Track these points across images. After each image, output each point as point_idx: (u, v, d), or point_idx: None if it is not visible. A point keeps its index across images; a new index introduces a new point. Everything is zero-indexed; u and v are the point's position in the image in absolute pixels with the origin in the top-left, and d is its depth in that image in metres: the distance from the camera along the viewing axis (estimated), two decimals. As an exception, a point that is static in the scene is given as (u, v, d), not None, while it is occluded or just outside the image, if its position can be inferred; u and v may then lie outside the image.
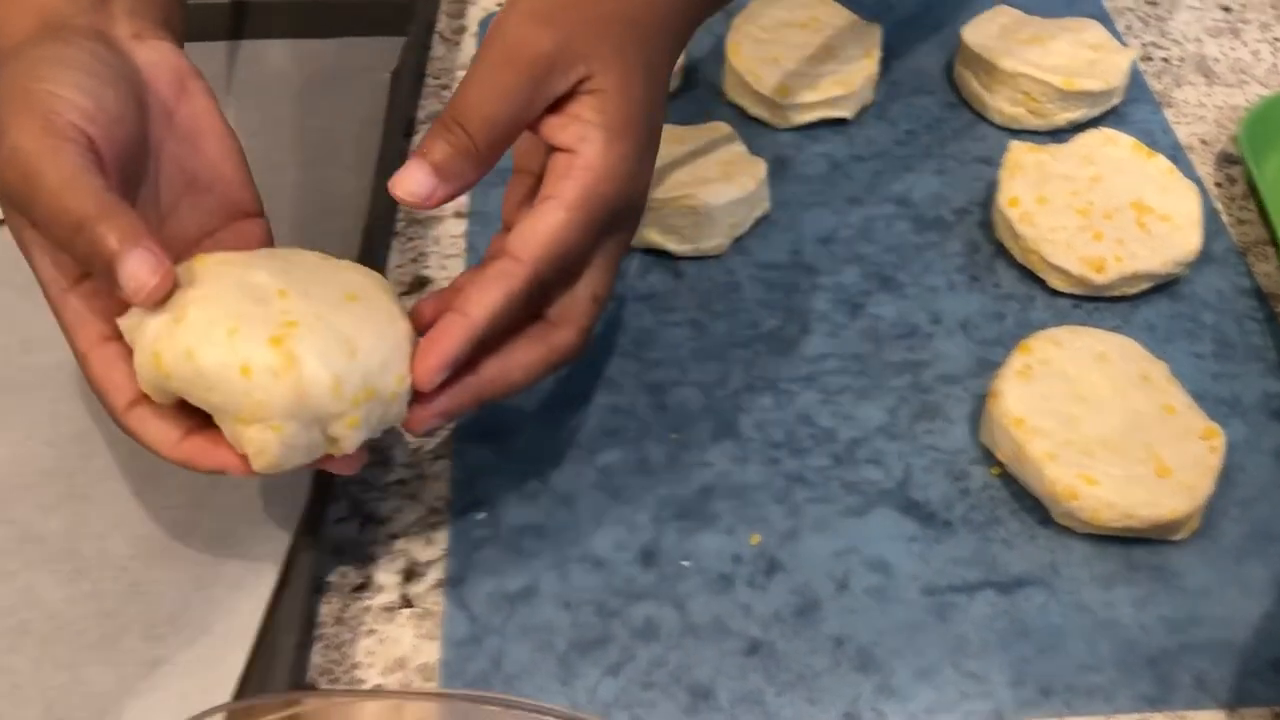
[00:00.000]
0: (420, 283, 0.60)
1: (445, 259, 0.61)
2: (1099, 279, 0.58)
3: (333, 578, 0.50)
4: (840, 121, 0.68)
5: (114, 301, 0.43)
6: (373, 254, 0.58)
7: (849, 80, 0.66)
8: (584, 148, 0.44)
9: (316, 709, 0.39)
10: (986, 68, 0.67)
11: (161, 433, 0.43)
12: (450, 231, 0.63)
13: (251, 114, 0.62)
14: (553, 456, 0.53)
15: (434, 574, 0.50)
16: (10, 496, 0.51)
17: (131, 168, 0.45)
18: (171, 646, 0.47)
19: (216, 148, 0.48)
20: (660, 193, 0.59)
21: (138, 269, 0.40)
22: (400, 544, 0.51)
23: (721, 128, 0.64)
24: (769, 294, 0.60)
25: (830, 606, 0.49)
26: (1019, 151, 0.62)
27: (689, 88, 0.70)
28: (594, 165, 0.44)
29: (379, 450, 0.54)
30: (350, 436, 0.42)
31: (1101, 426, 0.51)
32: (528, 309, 0.46)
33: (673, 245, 0.60)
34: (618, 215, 0.46)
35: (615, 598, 0.49)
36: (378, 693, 0.43)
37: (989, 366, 0.56)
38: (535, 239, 0.44)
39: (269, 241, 0.49)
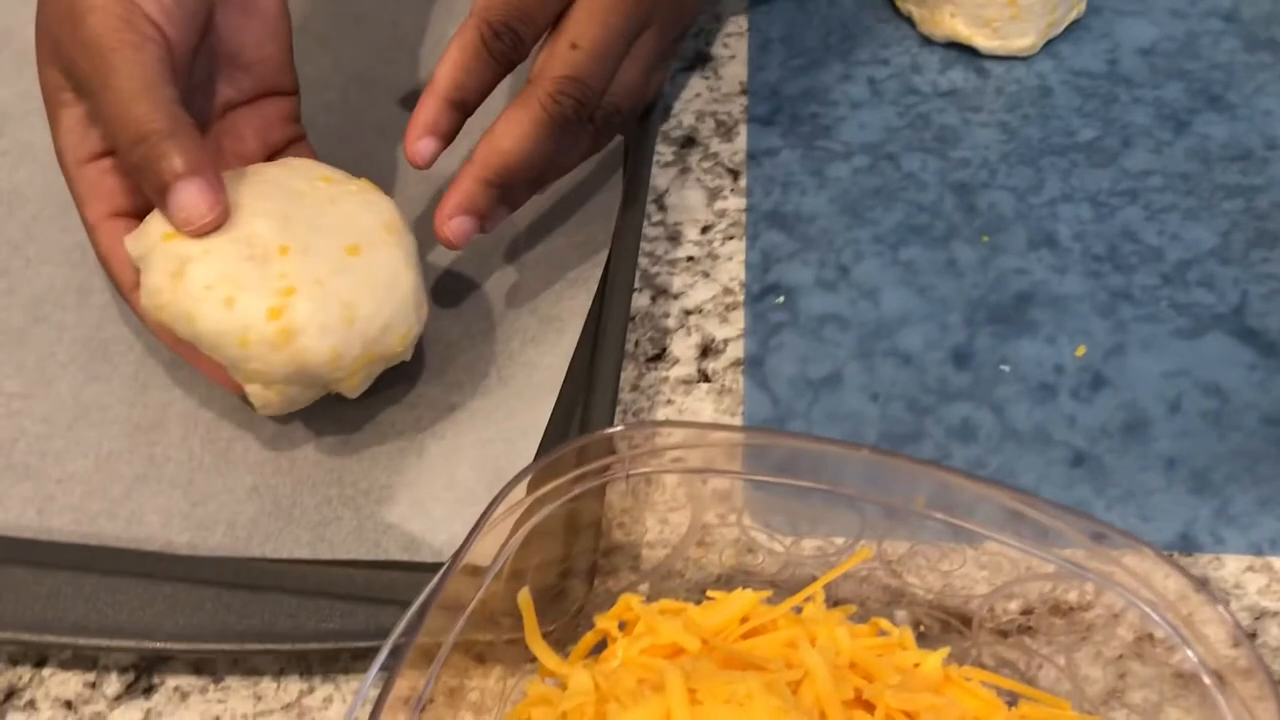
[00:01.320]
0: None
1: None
2: None
3: (627, 346, 0.47)
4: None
5: (129, 182, 0.42)
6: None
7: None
8: None
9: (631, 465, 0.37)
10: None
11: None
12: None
13: None
14: (852, 248, 0.50)
15: (732, 352, 0.47)
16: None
17: (191, 63, 0.43)
18: (467, 394, 0.45)
19: (267, 28, 0.46)
20: (978, -21, 0.54)
21: (195, 200, 0.39)
22: (694, 320, 0.48)
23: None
24: (1084, 102, 0.55)
25: (1161, 427, 0.45)
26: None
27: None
28: None
29: (667, 225, 0.51)
30: (353, 390, 0.42)
31: None
32: (496, 64, 0.43)
33: (980, 40, 0.56)
34: None
35: (927, 395, 0.46)
36: (714, 425, 0.39)
37: (1334, 197, 0.51)
38: None
39: (296, 119, 0.47)
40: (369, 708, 0.32)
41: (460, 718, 0.35)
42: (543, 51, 0.45)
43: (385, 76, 0.56)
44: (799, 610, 0.36)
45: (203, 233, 0.40)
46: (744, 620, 0.36)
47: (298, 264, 0.40)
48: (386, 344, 0.41)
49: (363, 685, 0.33)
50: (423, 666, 0.32)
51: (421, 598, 0.33)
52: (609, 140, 0.50)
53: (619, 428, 0.35)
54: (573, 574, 0.38)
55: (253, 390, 0.41)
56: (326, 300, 0.40)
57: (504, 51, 0.43)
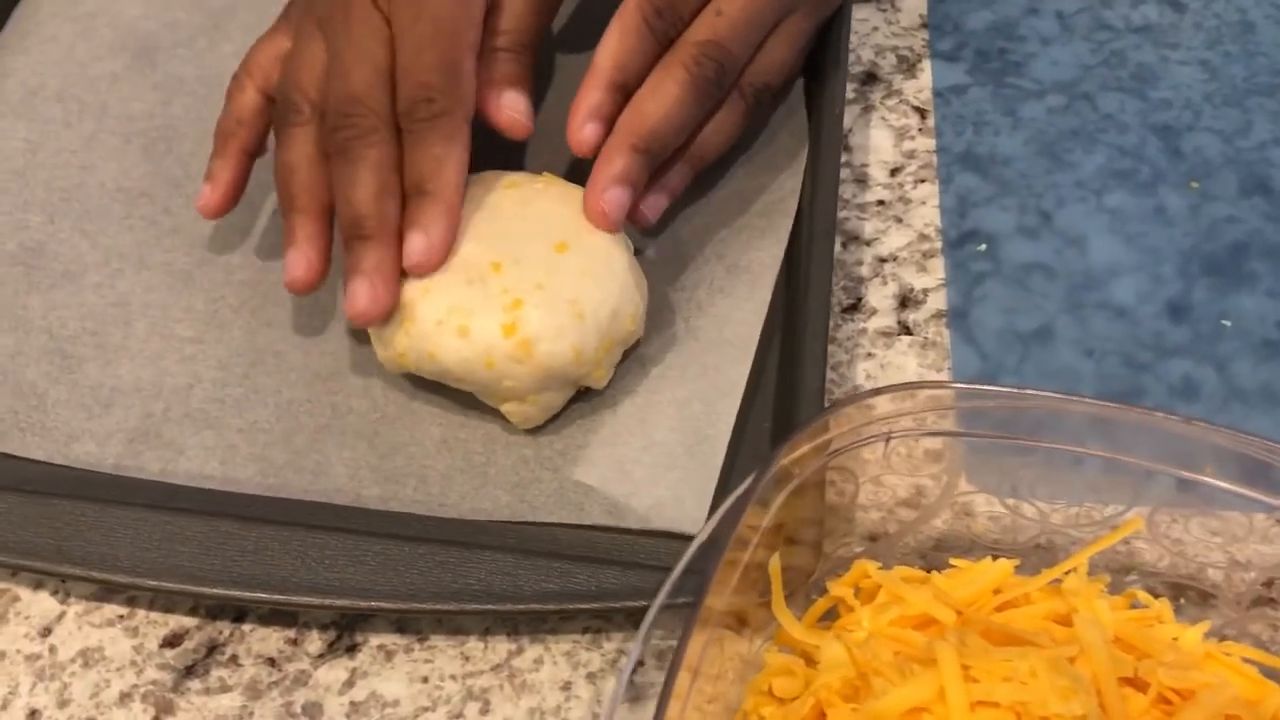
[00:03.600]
0: None
1: None
2: None
3: (819, 295, 0.45)
4: None
5: None
6: None
7: None
8: None
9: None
10: None
11: None
12: None
13: None
14: (1053, 192, 0.47)
15: (933, 303, 0.45)
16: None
17: None
18: (654, 345, 0.43)
19: None
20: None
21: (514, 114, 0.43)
22: (890, 268, 0.46)
23: None
24: (1290, 39, 0.52)
25: (1398, 388, 0.43)
26: None
27: None
28: None
29: (853, 167, 0.48)
30: (601, 381, 0.41)
31: None
32: (657, 43, 0.42)
33: (1178, -26, 0.53)
34: None
35: (1144, 351, 0.44)
36: (985, 386, 0.37)
37: None
38: None
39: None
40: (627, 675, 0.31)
41: (699, 687, 0.34)
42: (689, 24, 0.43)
43: None
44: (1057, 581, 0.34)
45: (429, 270, 0.40)
46: (996, 592, 0.34)
47: (514, 275, 0.40)
48: (620, 327, 0.41)
49: (633, 650, 0.31)
50: (697, 632, 0.30)
51: (683, 562, 0.31)
52: (761, 121, 0.48)
53: (881, 389, 0.32)
54: (802, 540, 0.36)
55: (509, 409, 0.41)
56: (553, 302, 0.39)
57: (665, 30, 0.42)
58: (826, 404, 0.41)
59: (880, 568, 0.36)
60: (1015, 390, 0.32)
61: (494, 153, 0.44)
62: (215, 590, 0.36)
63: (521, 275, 0.40)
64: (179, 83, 0.50)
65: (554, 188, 0.43)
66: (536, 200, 0.42)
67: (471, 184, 0.43)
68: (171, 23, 0.52)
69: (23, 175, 0.48)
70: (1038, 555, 0.38)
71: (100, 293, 0.45)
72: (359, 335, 0.44)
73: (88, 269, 0.46)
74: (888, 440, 0.33)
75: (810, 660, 0.34)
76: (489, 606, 0.36)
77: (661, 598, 0.31)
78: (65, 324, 0.44)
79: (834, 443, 0.33)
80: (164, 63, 0.51)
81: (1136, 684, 0.32)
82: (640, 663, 0.38)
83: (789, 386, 0.41)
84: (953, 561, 0.36)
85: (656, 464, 0.41)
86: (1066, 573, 0.34)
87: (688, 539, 0.39)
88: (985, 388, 0.32)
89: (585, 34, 0.51)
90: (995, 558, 0.36)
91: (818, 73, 0.48)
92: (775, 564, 0.33)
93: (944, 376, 0.43)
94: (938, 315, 0.45)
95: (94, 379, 0.43)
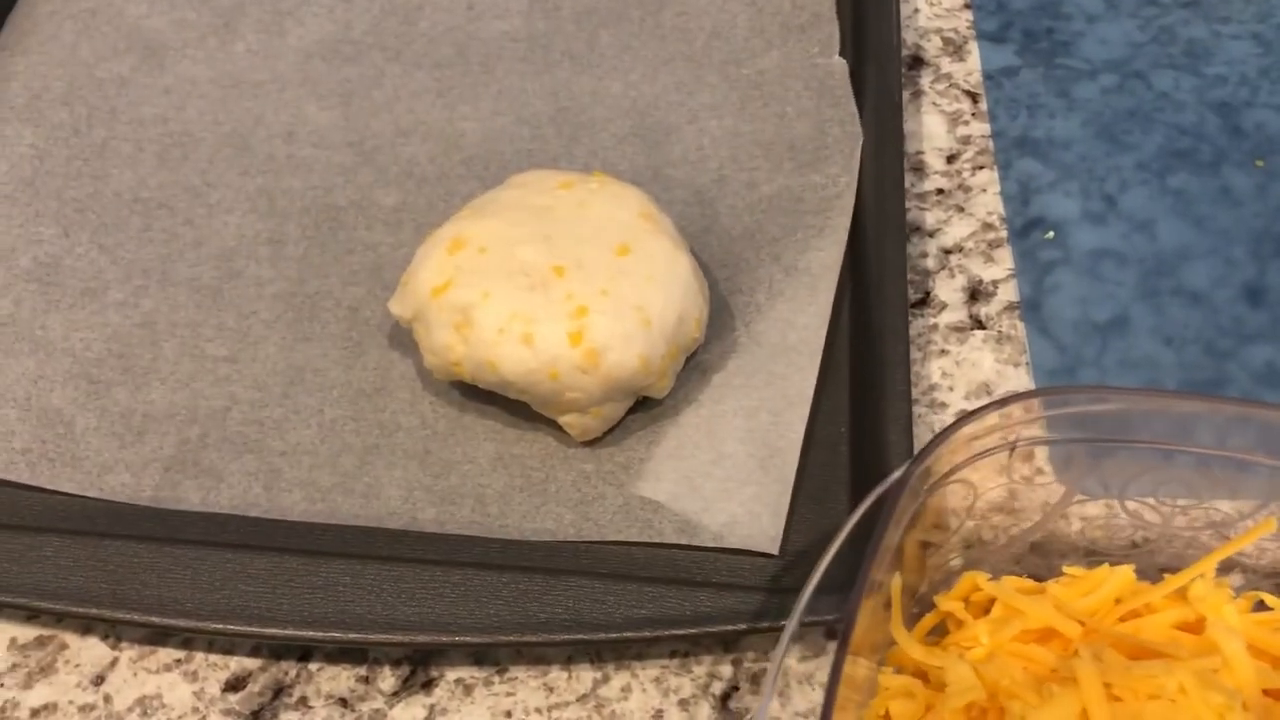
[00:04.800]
0: None
1: None
2: None
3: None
4: None
5: None
6: None
7: None
8: None
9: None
10: None
11: None
12: None
13: None
14: (1115, 175, 0.46)
15: (1004, 295, 0.43)
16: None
17: None
18: (715, 351, 0.41)
19: None
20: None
21: None
22: (956, 259, 0.44)
23: None
24: (1340, 11, 0.51)
25: None
26: None
27: None
28: None
29: (908, 155, 0.46)
30: (663, 391, 0.40)
31: None
32: None
33: (1223, -54, 0.51)
34: None
35: (1224, 338, 0.42)
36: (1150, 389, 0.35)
37: None
38: None
39: None
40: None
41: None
42: None
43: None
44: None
45: None
46: (1117, 601, 0.33)
47: (578, 280, 0.38)
48: (685, 334, 0.39)
49: (770, 672, 0.29)
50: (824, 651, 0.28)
51: (811, 584, 0.29)
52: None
53: (1014, 396, 0.31)
54: (915, 555, 0.34)
55: (569, 421, 0.39)
56: (619, 309, 0.37)
57: None
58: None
59: (990, 578, 0.34)
60: (1154, 392, 0.31)
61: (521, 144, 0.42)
62: (286, 631, 0.34)
63: (585, 280, 0.38)
64: (191, 85, 0.47)
65: (608, 187, 0.41)
66: (592, 201, 0.40)
67: (523, 183, 0.41)
68: (179, 21, 0.49)
69: (32, 184, 0.45)
70: (1136, 557, 0.37)
71: (124, 312, 0.42)
72: (402, 347, 0.42)
73: (108, 286, 0.43)
74: (1013, 449, 0.32)
75: (926, 680, 0.33)
76: (580, 636, 0.34)
77: (795, 621, 0.29)
78: (89, 345, 0.41)
79: (958, 454, 0.31)
80: (173, 64, 0.48)
81: (1276, 695, 0.31)
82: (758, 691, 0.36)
83: (870, 391, 0.39)
84: (1066, 569, 0.34)
85: (728, 478, 0.39)
86: (1196, 577, 0.33)
87: (767, 556, 0.38)
88: (1113, 389, 0.30)
89: (588, 31, 0.49)
90: (1094, 562, 0.35)
91: (866, 59, 0.47)
92: (896, 583, 0.31)
93: (1022, 371, 0.41)
94: (1010, 307, 0.43)
95: (124, 404, 0.40)
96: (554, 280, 0.38)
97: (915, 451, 0.37)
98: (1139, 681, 0.29)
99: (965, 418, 0.30)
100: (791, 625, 0.29)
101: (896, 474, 0.31)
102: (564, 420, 0.39)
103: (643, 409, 0.40)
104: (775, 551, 0.37)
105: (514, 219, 0.39)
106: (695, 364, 0.41)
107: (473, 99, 0.47)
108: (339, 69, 0.48)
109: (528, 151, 0.46)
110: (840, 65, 0.46)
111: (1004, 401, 0.31)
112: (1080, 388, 0.31)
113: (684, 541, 0.37)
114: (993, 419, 0.30)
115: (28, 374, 0.41)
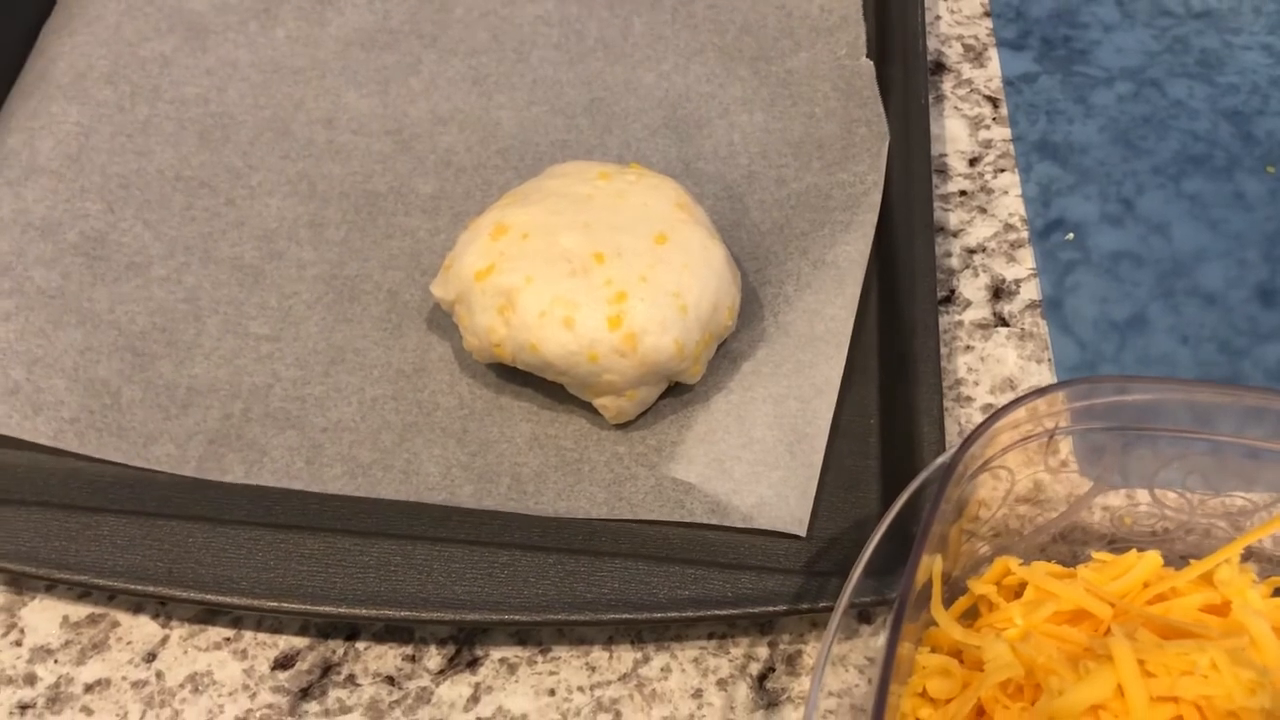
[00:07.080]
0: None
1: None
2: None
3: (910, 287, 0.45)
4: None
5: None
6: None
7: None
8: None
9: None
10: None
11: None
12: None
13: None
14: (1132, 180, 0.47)
15: (1026, 293, 0.44)
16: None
17: None
18: (744, 340, 0.42)
19: None
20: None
21: None
22: (979, 259, 0.45)
23: None
24: (1347, 26, 0.52)
25: None
26: None
27: None
28: None
29: (933, 158, 0.47)
30: (695, 376, 0.41)
31: None
32: None
33: (1235, -40, 0.53)
34: None
35: (1239, 336, 0.44)
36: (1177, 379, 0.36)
37: None
38: None
39: None
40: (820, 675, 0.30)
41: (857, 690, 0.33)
42: None
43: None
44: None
45: None
46: (1145, 585, 0.34)
47: (617, 267, 0.39)
48: (719, 321, 0.40)
49: (821, 651, 0.30)
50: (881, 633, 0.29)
51: (858, 567, 0.30)
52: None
53: (1060, 384, 0.32)
54: (952, 538, 0.36)
55: (604, 403, 0.40)
56: (657, 296, 0.39)
57: None
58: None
59: (1021, 563, 0.35)
60: (1188, 382, 0.32)
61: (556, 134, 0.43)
62: (340, 610, 0.35)
63: (624, 267, 0.39)
64: (232, 68, 0.48)
65: (645, 178, 0.42)
66: (630, 191, 0.41)
67: (563, 173, 0.42)
68: (220, 5, 0.49)
69: (78, 160, 0.45)
70: (1156, 545, 0.38)
71: (167, 287, 0.43)
72: (440, 329, 0.43)
73: (152, 261, 0.43)
74: (1051, 436, 0.33)
75: (961, 660, 0.34)
76: (626, 615, 0.35)
77: (844, 602, 0.30)
78: (134, 319, 0.42)
79: (999, 440, 0.32)
80: (215, 46, 0.48)
81: (1298, 675, 0.32)
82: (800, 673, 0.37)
83: (900, 384, 0.40)
84: (1095, 555, 0.35)
85: (757, 461, 0.40)
86: (1221, 562, 0.34)
87: (794, 538, 0.39)
88: (1149, 380, 0.32)
89: (622, 18, 0.50)
90: (1117, 549, 0.36)
91: (891, 61, 0.48)
92: (937, 565, 0.32)
93: (1045, 367, 0.43)
94: (1032, 305, 0.44)
95: (168, 378, 0.41)
96: (594, 266, 0.39)
97: (945, 443, 0.39)
98: (1172, 658, 0.30)
99: (1010, 404, 0.31)
100: (841, 606, 0.30)
101: (943, 458, 0.32)
102: (599, 402, 0.40)
103: (673, 394, 0.41)
104: (802, 533, 0.38)
105: (555, 207, 0.40)
106: (725, 352, 0.42)
107: (508, 88, 0.48)
108: (377, 56, 0.49)
109: (562, 143, 0.47)
110: (868, 66, 0.48)
111: (1045, 390, 0.32)
112: (1130, 378, 0.32)
113: (714, 521, 0.38)
114: (1040, 405, 0.31)
115: (75, 345, 0.41)
